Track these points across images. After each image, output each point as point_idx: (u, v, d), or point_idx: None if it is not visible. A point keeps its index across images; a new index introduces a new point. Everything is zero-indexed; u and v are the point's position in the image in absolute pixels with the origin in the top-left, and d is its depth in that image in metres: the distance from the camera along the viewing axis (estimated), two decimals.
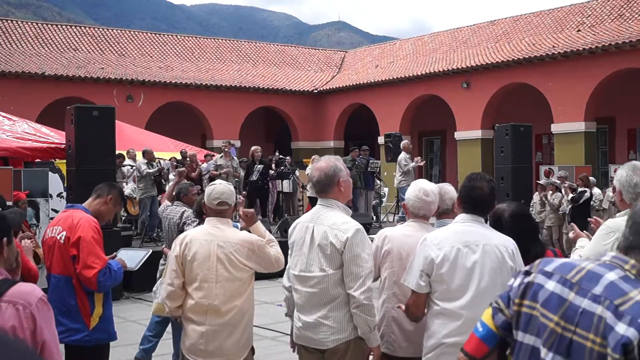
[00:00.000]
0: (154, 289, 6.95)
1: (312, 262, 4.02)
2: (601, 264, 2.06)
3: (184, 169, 13.86)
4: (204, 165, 17.26)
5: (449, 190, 4.40)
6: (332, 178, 4.05)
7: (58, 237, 4.67)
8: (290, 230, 4.27)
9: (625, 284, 1.96)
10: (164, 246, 7.72)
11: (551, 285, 2.09)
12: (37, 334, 2.64)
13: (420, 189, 4.39)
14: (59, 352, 2.76)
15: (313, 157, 17.80)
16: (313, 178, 4.13)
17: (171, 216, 7.21)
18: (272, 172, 17.66)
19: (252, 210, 5.01)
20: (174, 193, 7.76)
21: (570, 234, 4.47)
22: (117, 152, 15.62)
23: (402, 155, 17.06)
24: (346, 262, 3.91)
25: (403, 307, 3.91)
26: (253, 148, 17.32)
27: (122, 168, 15.96)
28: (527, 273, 2.23)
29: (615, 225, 3.66)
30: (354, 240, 3.90)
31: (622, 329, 1.86)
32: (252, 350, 4.70)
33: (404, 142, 17.92)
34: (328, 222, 4.00)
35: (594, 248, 3.66)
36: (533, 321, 2.12)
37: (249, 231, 4.80)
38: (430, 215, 4.40)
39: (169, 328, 6.96)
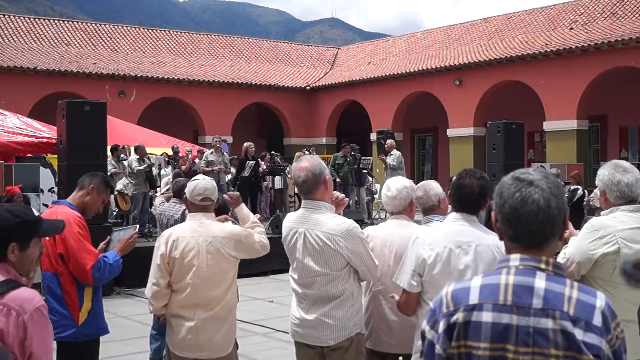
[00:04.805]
0: None
1: (310, 266, 4.00)
2: (519, 273, 1.96)
3: (177, 169, 13.85)
4: (197, 161, 17.24)
5: (434, 187, 4.39)
6: (318, 177, 3.99)
7: None
8: (283, 232, 4.22)
9: (556, 285, 1.92)
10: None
11: (489, 317, 1.94)
12: (26, 344, 2.52)
13: (385, 185, 4.42)
14: None
15: (297, 153, 17.75)
16: (299, 178, 4.02)
17: (171, 213, 7.06)
18: (264, 168, 17.66)
19: (237, 192, 5.01)
20: (172, 189, 7.61)
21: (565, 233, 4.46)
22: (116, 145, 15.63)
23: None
24: (352, 261, 3.97)
25: (396, 296, 3.89)
26: (246, 144, 17.28)
27: (124, 162, 15.83)
28: (449, 314, 2.01)
29: (600, 223, 3.67)
30: (347, 239, 3.93)
31: (580, 334, 1.84)
32: (236, 344, 4.72)
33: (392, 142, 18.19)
34: (322, 228, 3.97)
35: (577, 246, 3.65)
36: None
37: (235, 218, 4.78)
38: (398, 210, 4.37)
39: None
